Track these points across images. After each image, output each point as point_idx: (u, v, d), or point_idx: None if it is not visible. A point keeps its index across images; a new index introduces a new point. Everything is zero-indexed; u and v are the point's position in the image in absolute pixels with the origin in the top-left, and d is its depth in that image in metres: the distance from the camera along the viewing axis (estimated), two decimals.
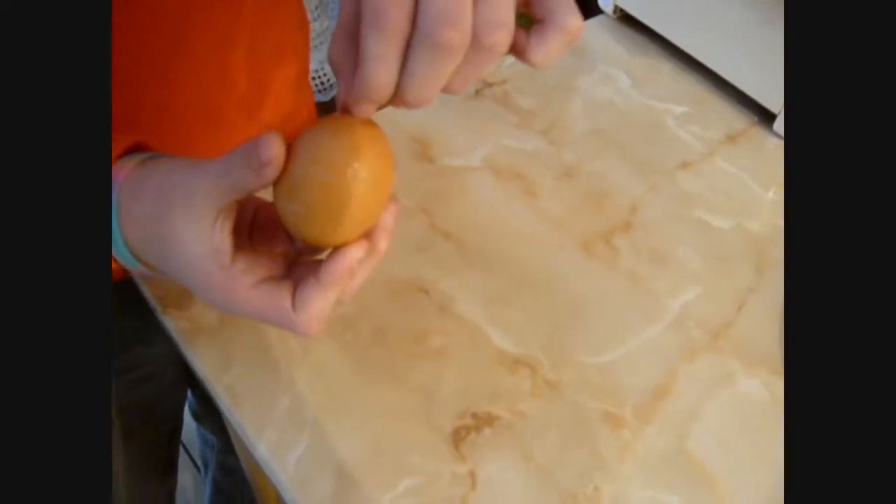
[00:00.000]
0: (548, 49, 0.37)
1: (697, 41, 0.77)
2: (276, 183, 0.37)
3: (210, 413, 1.04)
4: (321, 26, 1.35)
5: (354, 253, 0.38)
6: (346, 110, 0.36)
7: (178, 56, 0.54)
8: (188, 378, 0.84)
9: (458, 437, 0.50)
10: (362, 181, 0.36)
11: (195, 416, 1.09)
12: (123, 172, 0.41)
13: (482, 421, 0.50)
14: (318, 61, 1.33)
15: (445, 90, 0.36)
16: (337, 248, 0.39)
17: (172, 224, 0.39)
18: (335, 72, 0.36)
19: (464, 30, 0.33)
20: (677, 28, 0.78)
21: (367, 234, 0.39)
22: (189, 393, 0.98)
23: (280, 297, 0.39)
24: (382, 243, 0.40)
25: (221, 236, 0.38)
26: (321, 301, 0.39)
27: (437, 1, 0.33)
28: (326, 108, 1.33)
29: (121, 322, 0.69)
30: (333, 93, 1.38)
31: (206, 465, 1.19)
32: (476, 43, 0.34)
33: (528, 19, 0.38)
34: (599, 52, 0.80)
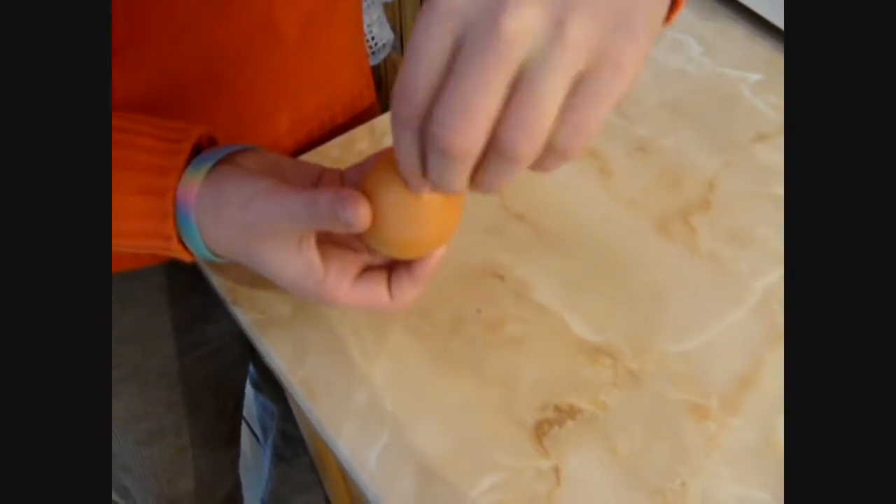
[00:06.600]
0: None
1: (770, 1, 0.73)
2: None
3: (270, 382, 1.04)
4: None
5: (441, 253, 0.44)
6: None
7: (223, 10, 0.52)
8: (251, 351, 0.84)
9: (540, 432, 0.49)
10: (437, 211, 0.39)
11: (255, 385, 1.10)
12: (192, 195, 0.42)
13: (565, 413, 0.49)
14: (364, 24, 1.31)
15: None
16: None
17: (261, 252, 0.42)
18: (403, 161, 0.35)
19: (542, 143, 0.32)
20: None
21: None
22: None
23: (377, 292, 0.44)
24: None
25: (309, 252, 0.42)
26: (415, 291, 0.45)
27: (523, 115, 0.31)
28: (375, 72, 1.31)
29: (189, 301, 0.70)
30: (382, 55, 1.35)
31: (265, 432, 1.20)
32: (548, 146, 0.32)
33: None
34: None
